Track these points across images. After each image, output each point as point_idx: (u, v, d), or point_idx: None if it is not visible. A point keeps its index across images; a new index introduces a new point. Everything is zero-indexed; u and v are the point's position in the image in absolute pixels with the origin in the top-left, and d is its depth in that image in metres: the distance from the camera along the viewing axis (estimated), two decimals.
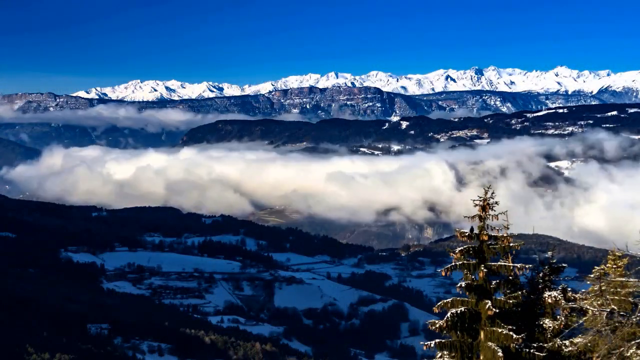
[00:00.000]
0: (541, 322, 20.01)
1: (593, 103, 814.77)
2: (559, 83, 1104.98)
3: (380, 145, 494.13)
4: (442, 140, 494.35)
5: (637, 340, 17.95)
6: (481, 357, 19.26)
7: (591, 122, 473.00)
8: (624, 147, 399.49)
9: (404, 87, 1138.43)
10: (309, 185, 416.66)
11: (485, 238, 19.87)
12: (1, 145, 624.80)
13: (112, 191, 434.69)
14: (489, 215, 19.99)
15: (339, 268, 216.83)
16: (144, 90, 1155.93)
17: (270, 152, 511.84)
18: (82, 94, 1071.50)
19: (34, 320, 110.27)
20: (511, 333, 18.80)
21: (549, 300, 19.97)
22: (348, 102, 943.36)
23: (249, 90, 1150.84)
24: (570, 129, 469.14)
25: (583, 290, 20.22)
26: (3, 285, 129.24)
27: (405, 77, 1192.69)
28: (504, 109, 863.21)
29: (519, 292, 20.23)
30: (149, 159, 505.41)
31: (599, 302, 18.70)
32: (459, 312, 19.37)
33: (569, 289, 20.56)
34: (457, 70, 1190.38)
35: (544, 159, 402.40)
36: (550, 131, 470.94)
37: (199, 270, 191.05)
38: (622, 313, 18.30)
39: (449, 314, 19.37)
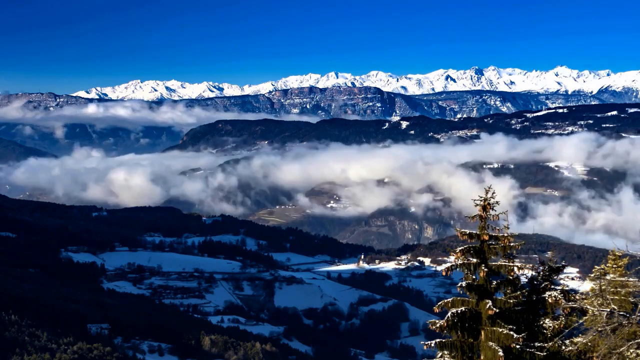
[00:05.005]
0: (541, 322, 20.04)
1: (593, 103, 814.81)
2: (559, 83, 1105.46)
3: (380, 145, 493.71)
4: (442, 140, 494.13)
5: (637, 340, 17.97)
6: (482, 357, 19.28)
7: (591, 122, 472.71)
8: (622, 149, 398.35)
9: (404, 87, 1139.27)
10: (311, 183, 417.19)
11: (486, 238, 19.90)
12: (1, 145, 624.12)
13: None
14: (490, 215, 20.03)
15: (339, 268, 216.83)
16: (144, 90, 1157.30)
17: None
18: (82, 94, 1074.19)
19: (34, 320, 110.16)
20: (512, 333, 18.82)
21: (550, 300, 20.00)
22: (348, 102, 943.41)
23: (249, 90, 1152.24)
24: (570, 129, 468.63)
25: (583, 290, 20.25)
26: (3, 285, 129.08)
27: (405, 77, 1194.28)
28: (504, 109, 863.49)
29: (520, 292, 20.26)
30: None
31: (599, 302, 18.72)
32: (459, 311, 19.39)
33: (569, 289, 20.60)
34: (457, 70, 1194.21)
35: (544, 159, 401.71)
36: (550, 131, 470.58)
37: (199, 270, 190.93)
38: (622, 313, 18.32)
39: (449, 314, 19.39)
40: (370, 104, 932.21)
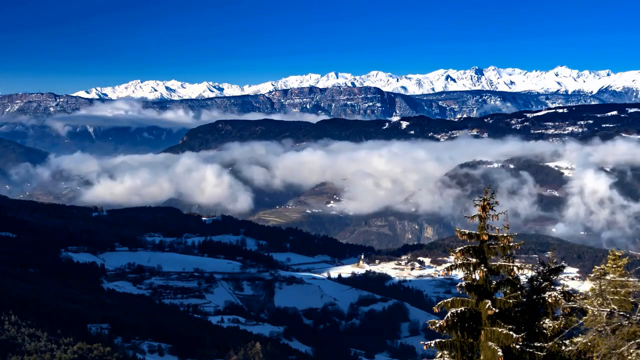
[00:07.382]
0: (541, 322, 20.02)
1: (593, 103, 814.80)
2: (559, 83, 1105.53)
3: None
4: (442, 140, 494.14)
5: (637, 340, 17.95)
6: (481, 357, 19.26)
7: (591, 122, 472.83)
8: (622, 149, 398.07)
9: (404, 87, 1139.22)
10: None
11: (486, 238, 19.89)
12: (1, 145, 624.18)
13: None
14: (489, 215, 20.02)
15: (339, 268, 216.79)
16: (144, 90, 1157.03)
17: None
18: (82, 94, 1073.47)
19: (34, 320, 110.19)
20: (511, 333, 18.80)
21: (549, 300, 19.98)
22: (348, 102, 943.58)
23: (249, 90, 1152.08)
24: (570, 129, 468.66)
25: (583, 290, 20.23)
26: (3, 285, 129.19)
27: (405, 77, 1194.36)
28: (504, 109, 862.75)
29: (519, 292, 20.24)
30: None
31: (599, 302, 18.71)
32: (459, 311, 19.38)
33: (569, 289, 20.59)
34: (457, 70, 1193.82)
35: (544, 158, 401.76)
36: (550, 131, 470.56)
37: (199, 270, 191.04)
38: (622, 313, 18.31)
39: (449, 314, 19.38)
40: (371, 104, 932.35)
